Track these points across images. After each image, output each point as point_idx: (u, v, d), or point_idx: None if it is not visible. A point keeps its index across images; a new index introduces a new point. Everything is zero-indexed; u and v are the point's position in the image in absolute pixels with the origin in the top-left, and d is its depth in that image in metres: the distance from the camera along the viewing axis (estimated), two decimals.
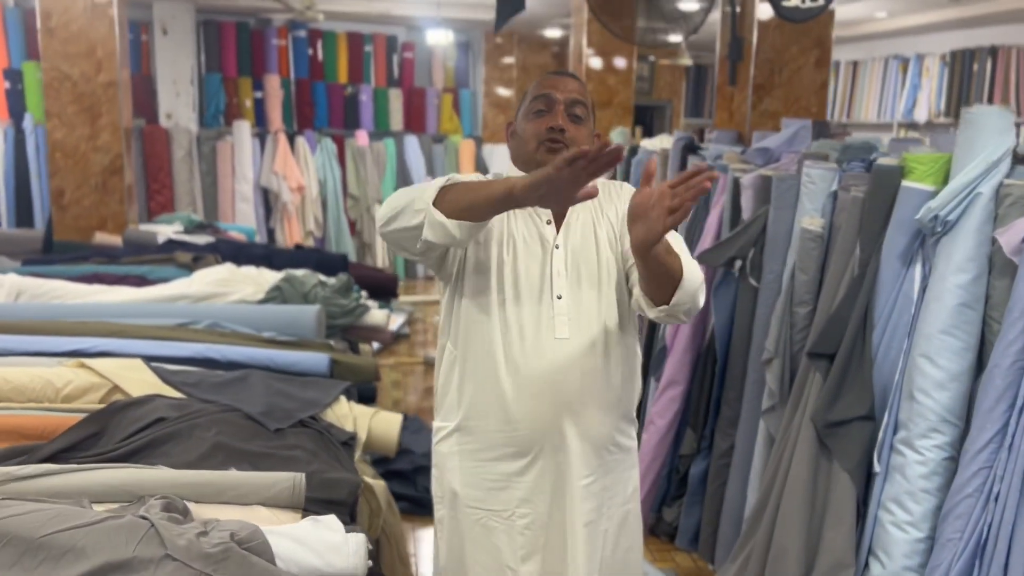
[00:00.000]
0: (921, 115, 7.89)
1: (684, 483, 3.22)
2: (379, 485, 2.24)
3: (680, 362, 3.22)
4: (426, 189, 1.53)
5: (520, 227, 1.68)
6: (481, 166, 9.04)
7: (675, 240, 1.63)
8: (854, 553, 2.17)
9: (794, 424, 2.44)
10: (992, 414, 1.91)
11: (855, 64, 8.91)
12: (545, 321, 1.63)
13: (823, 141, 2.88)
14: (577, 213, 1.69)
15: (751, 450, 2.85)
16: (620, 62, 6.29)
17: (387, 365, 5.50)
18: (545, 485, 1.68)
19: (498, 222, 1.66)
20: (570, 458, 1.67)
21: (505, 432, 1.67)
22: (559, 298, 1.64)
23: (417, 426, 4.03)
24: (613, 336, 1.69)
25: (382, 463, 3.50)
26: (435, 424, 1.80)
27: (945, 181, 2.13)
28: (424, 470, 3.57)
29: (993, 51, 7.32)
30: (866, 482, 2.22)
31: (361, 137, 8.50)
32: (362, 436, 2.32)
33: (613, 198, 1.75)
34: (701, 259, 3.01)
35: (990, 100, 7.21)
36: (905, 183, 2.22)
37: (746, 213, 2.95)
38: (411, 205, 1.53)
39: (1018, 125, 2.09)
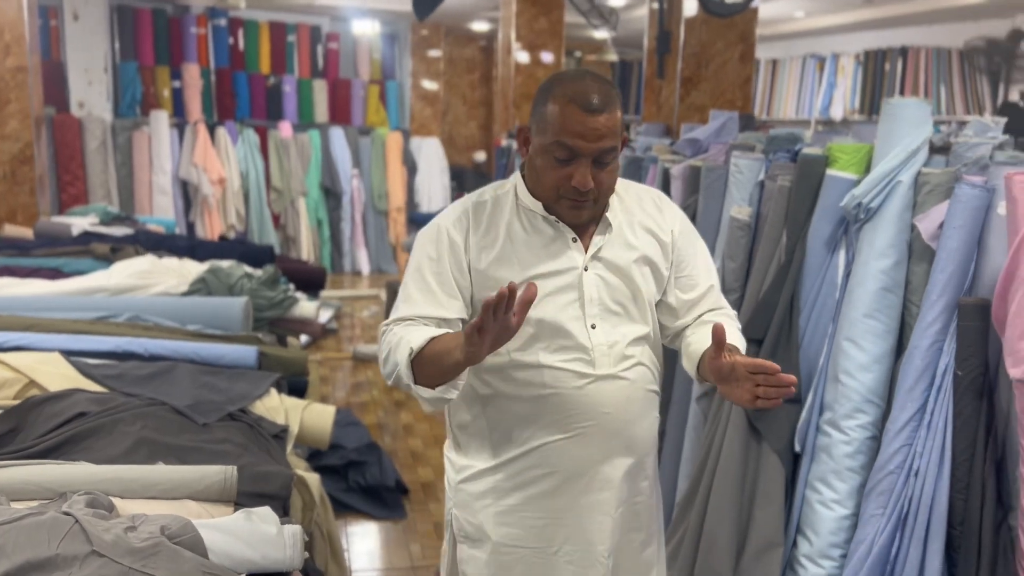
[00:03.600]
0: (837, 112, 8.16)
1: None
2: (312, 478, 2.19)
3: None
4: (399, 364, 1.41)
5: (541, 252, 1.53)
6: (409, 159, 8.96)
7: (730, 323, 1.61)
8: (783, 532, 2.23)
9: (724, 408, 2.49)
10: (912, 393, 1.98)
11: (775, 62, 9.15)
12: (580, 354, 1.52)
13: (749, 133, 2.94)
14: (605, 228, 1.56)
15: (682, 436, 2.89)
16: (548, 56, 6.32)
17: (315, 360, 5.40)
18: (588, 519, 1.60)
19: (516, 252, 1.52)
20: (611, 490, 1.59)
21: (544, 470, 1.57)
22: (593, 328, 1.53)
23: (347, 420, 3.97)
24: (648, 360, 1.60)
25: (313, 458, 3.44)
26: (456, 460, 1.69)
27: (867, 170, 2.21)
28: (356, 465, 3.53)
29: (904, 51, 7.62)
30: (793, 463, 2.28)
31: (284, 128, 8.33)
32: (294, 429, 2.27)
33: (649, 210, 1.62)
34: None
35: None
36: (829, 172, 2.29)
37: (676, 203, 2.99)
38: (399, 379, 1.43)
39: (937, 124, 2.17)
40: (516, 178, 1.59)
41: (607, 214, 1.55)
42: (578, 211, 1.49)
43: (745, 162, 2.63)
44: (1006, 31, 6.78)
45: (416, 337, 1.42)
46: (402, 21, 9.22)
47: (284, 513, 1.87)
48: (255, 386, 2.33)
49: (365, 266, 8.66)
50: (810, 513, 2.18)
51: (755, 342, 2.40)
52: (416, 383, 1.41)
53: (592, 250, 1.54)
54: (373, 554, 3.06)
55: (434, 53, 9.64)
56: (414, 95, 9.57)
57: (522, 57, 6.28)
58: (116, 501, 1.56)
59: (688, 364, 1.60)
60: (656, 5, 3.99)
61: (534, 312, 1.49)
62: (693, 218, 2.87)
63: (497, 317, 1.23)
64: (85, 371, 2.24)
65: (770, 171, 2.57)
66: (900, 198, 2.09)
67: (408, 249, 7.38)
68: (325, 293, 7.33)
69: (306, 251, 8.32)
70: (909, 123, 2.11)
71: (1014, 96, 6.74)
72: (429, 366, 1.39)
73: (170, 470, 1.73)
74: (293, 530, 1.62)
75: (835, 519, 2.12)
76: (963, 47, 7.17)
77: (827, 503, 2.13)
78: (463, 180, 9.70)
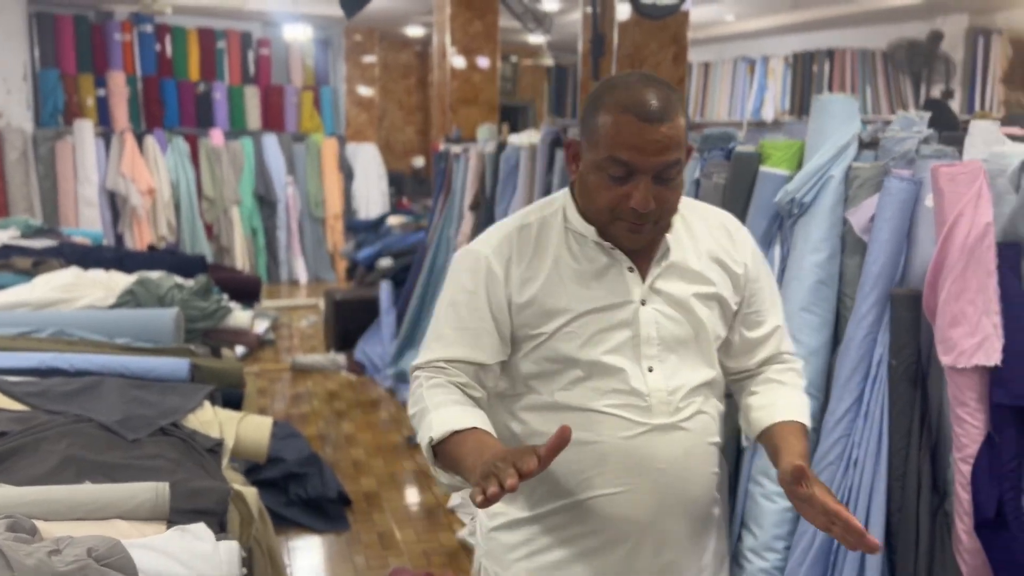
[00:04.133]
0: (768, 114, 8.35)
1: None
2: (250, 492, 2.12)
3: None
4: (422, 441, 1.26)
5: (593, 283, 1.34)
6: (345, 165, 8.86)
7: (795, 387, 1.45)
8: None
9: None
10: (848, 385, 2.02)
11: (707, 65, 9.31)
12: (634, 399, 1.32)
13: None
14: (664, 255, 1.35)
15: None
16: (483, 61, 6.31)
17: (252, 372, 5.28)
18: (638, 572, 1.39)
19: (564, 283, 1.34)
20: (664, 555, 1.38)
21: (586, 528, 1.36)
22: (650, 371, 1.33)
23: (286, 432, 3.88)
24: (711, 409, 1.40)
25: (252, 472, 3.35)
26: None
27: (799, 166, 2.24)
28: (297, 477, 3.45)
29: (831, 53, 7.83)
30: (736, 457, 2.30)
31: (216, 136, 8.14)
32: (229, 442, 2.20)
33: (718, 236, 1.41)
34: None
35: None
36: (763, 169, 2.32)
37: None
38: (425, 449, 1.27)
39: (864, 124, 2.22)
40: (565, 197, 1.40)
41: (668, 237, 1.35)
42: (637, 235, 1.30)
43: None
44: (926, 33, 7.02)
45: (437, 422, 1.25)
46: (335, 26, 9.12)
47: (221, 529, 1.81)
48: (188, 399, 2.26)
49: (303, 275, 8.52)
50: (753, 507, 2.20)
51: None
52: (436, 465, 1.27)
53: (650, 280, 1.34)
54: (316, 568, 2.99)
55: (369, 58, 9.56)
56: (349, 101, 9.47)
57: (457, 62, 6.26)
58: (40, 524, 1.48)
59: (746, 427, 1.46)
60: (590, 9, 4.02)
61: (581, 351, 1.32)
62: None
63: (522, 474, 1.06)
64: (5, 389, 2.13)
65: (705, 169, 2.59)
66: (832, 193, 2.13)
67: (348, 257, 7.28)
68: (264, 304, 7.20)
69: (241, 261, 8.15)
70: (838, 118, 2.15)
71: (936, 95, 6.98)
72: (446, 458, 1.24)
73: (98, 489, 1.65)
74: (229, 546, 1.56)
75: (778, 512, 2.14)
76: (886, 48, 7.41)
77: (770, 496, 2.15)
78: (402, 186, 9.63)
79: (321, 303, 6.87)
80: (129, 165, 7.48)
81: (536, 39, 8.66)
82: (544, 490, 1.37)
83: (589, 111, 1.30)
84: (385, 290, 5.69)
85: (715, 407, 1.41)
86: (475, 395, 1.34)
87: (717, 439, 1.42)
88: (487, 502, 1.03)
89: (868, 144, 2.17)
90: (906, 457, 1.92)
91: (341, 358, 5.50)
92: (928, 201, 1.91)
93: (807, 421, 1.40)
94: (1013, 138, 1.89)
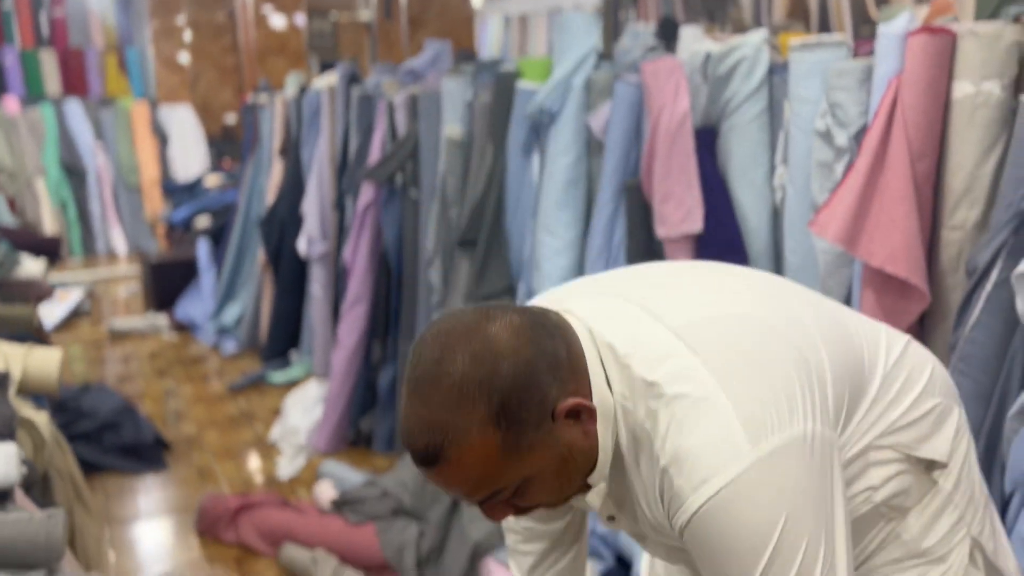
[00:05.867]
0: None
1: (376, 394, 3.41)
2: (40, 418, 2.16)
3: (361, 281, 3.39)
4: None
5: None
6: (159, 129, 8.53)
7: None
8: None
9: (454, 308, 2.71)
10: (594, 269, 2.28)
11: (524, 19, 9.54)
12: None
13: (463, 64, 3.15)
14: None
15: None
16: (290, 18, 6.26)
17: (70, 341, 5.12)
18: None
19: None
20: None
21: None
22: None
23: (101, 388, 3.84)
24: None
25: (67, 428, 3.31)
26: None
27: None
28: (111, 427, 3.44)
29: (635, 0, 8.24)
30: None
31: (10, 104, 7.64)
32: (16, 375, 2.22)
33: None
34: (367, 176, 3.19)
35: None
36: (520, 85, 2.54)
37: (401, 131, 3.16)
38: None
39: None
40: None
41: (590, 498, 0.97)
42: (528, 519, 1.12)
43: (454, 84, 2.83)
44: None
45: None
46: None
47: None
48: None
49: (121, 245, 8.19)
50: None
51: (472, 244, 2.63)
52: None
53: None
54: (132, 505, 3.03)
55: (177, 18, 9.18)
56: (158, 62, 9.07)
57: (275, 21, 6.17)
58: None
59: None
60: None
61: None
62: (416, 143, 3.05)
63: None
64: None
65: (476, 92, 2.79)
66: (574, 101, 2.37)
67: (163, 220, 7.06)
68: (78, 275, 6.91)
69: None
70: (577, 34, 2.39)
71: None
72: None
73: None
74: (7, 449, 1.63)
75: None
76: None
77: None
78: (223, 148, 9.37)
79: (139, 272, 6.67)
80: None
81: None
82: None
83: None
84: (203, 248, 5.61)
85: None
86: None
87: None
88: None
89: (606, 56, 2.43)
90: None
91: (161, 319, 5.41)
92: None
93: None
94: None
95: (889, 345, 1.03)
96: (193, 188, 7.07)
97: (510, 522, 1.16)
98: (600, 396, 0.90)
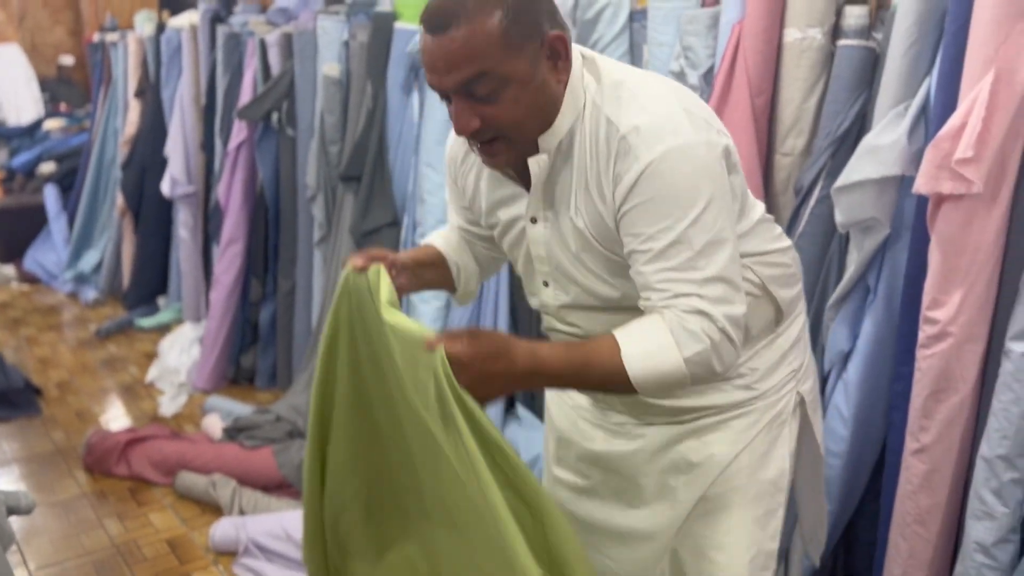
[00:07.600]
0: None
1: (256, 330, 3.48)
2: None
3: (236, 220, 3.42)
4: None
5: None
6: None
7: None
8: None
9: (339, 244, 2.83)
10: None
11: None
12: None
13: (334, 4, 3.21)
14: (541, 179, 1.16)
15: (311, 283, 3.20)
16: None
17: None
18: None
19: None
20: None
21: None
22: (545, 285, 1.26)
23: None
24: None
25: None
26: None
27: None
28: None
29: None
30: None
31: None
32: None
33: (600, 159, 1.11)
34: (240, 115, 3.21)
35: None
36: (397, 25, 2.66)
37: (275, 70, 3.19)
38: None
39: None
40: None
41: (535, 160, 1.13)
42: (488, 157, 1.14)
43: (329, 23, 2.91)
44: None
45: None
46: None
47: None
48: None
49: None
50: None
51: (356, 179, 2.75)
52: None
53: (532, 209, 1.20)
54: (13, 451, 3.00)
55: None
56: None
57: None
58: None
59: None
60: None
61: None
62: (292, 82, 3.11)
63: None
64: None
65: (352, 31, 2.88)
66: None
67: (5, 168, 6.61)
68: None
69: None
70: None
71: None
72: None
73: None
74: None
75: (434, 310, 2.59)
76: None
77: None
78: (56, 90, 8.79)
79: None
80: None
81: None
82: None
83: None
84: (51, 195, 5.36)
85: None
86: None
87: None
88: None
89: None
90: None
91: (9, 269, 5.16)
92: None
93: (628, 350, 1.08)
94: None
95: (762, 207, 1.30)
96: (33, 132, 6.66)
97: (457, 220, 1.39)
98: (573, 81, 1.11)
